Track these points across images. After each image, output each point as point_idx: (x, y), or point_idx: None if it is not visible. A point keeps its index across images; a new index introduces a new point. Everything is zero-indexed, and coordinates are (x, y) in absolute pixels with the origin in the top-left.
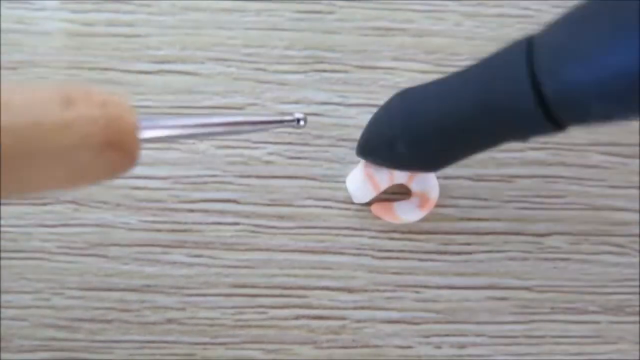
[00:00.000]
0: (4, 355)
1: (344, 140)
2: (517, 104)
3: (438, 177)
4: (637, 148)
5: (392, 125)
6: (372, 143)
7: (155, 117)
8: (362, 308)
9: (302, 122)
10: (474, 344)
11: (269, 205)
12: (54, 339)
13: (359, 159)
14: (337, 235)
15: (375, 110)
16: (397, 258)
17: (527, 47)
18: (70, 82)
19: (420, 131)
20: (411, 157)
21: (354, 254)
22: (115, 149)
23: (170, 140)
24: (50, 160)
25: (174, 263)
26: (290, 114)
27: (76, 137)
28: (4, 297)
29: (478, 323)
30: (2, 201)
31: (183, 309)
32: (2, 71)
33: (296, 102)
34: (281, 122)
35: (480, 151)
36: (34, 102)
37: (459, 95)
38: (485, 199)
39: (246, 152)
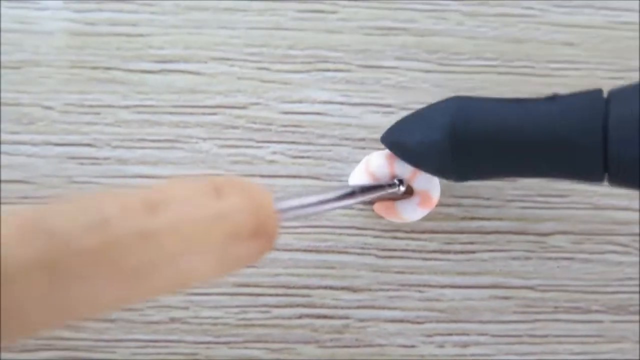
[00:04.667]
0: (5, 355)
1: (347, 139)
2: (581, 145)
3: None
4: None
5: (443, 126)
6: (407, 137)
7: (287, 198)
8: (366, 307)
9: (402, 187)
10: (477, 343)
11: None
12: (59, 338)
13: (361, 157)
14: (340, 234)
15: (377, 109)
16: (401, 257)
17: (606, 101)
18: (214, 175)
19: (472, 138)
20: (451, 162)
21: (358, 253)
22: (261, 235)
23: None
24: (207, 252)
25: None
26: (393, 183)
27: (230, 227)
28: None
29: (481, 322)
30: (3, 200)
31: (187, 308)
32: (4, 71)
33: (299, 102)
34: (384, 188)
35: (514, 174)
36: (192, 196)
37: (522, 116)
38: (488, 198)
39: (249, 151)
